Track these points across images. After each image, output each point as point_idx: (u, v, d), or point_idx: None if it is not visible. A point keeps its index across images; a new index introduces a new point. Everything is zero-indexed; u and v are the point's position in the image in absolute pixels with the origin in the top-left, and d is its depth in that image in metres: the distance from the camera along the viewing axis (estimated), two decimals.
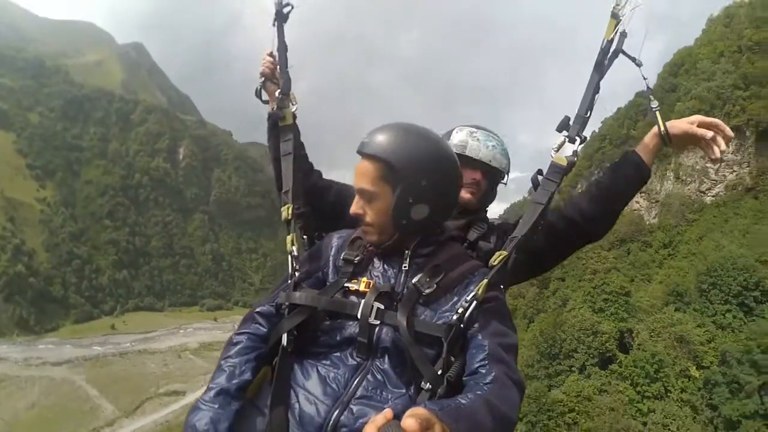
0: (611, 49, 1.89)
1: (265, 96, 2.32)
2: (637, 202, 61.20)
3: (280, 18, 2.23)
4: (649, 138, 1.98)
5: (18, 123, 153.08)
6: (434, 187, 1.66)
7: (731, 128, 1.92)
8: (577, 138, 1.87)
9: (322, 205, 2.26)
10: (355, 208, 1.70)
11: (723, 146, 1.84)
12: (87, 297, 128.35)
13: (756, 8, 65.51)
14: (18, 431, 70.66)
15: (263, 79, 2.30)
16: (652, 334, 32.62)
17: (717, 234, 44.51)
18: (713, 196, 56.03)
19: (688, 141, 1.93)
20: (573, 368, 34.37)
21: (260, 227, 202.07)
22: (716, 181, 56.10)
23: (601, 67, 1.90)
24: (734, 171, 54.43)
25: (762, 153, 51.60)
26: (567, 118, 1.88)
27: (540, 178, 1.86)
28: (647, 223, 57.53)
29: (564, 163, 1.83)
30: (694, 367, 30.51)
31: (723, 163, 54.15)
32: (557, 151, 1.87)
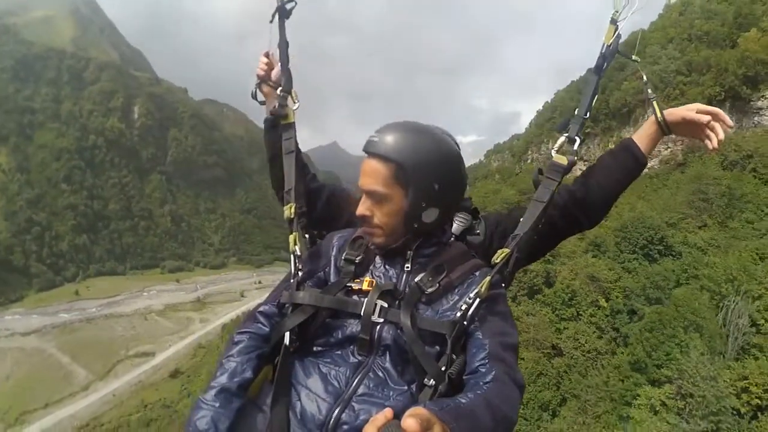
0: (609, 53, 1.93)
1: (260, 97, 2.34)
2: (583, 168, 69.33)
3: (282, 14, 2.21)
4: (647, 125, 1.97)
5: None
6: (445, 191, 1.70)
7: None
8: (576, 138, 1.90)
9: (315, 208, 2.24)
10: (362, 209, 1.70)
11: (721, 135, 1.83)
12: (48, 264, 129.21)
13: (711, 1, 70.49)
14: None
15: (259, 80, 2.30)
16: (570, 273, 40.61)
17: (634, 199, 51.43)
18: (648, 168, 64.05)
19: (687, 128, 1.92)
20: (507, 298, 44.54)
21: (217, 187, 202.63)
22: (651, 155, 65.28)
23: (600, 70, 1.94)
24: (668, 147, 59.15)
25: None
26: (567, 119, 1.93)
27: (541, 176, 1.87)
28: None
29: (564, 162, 1.83)
30: (604, 300, 39.03)
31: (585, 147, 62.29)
32: (557, 150, 1.88)
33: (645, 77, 2.11)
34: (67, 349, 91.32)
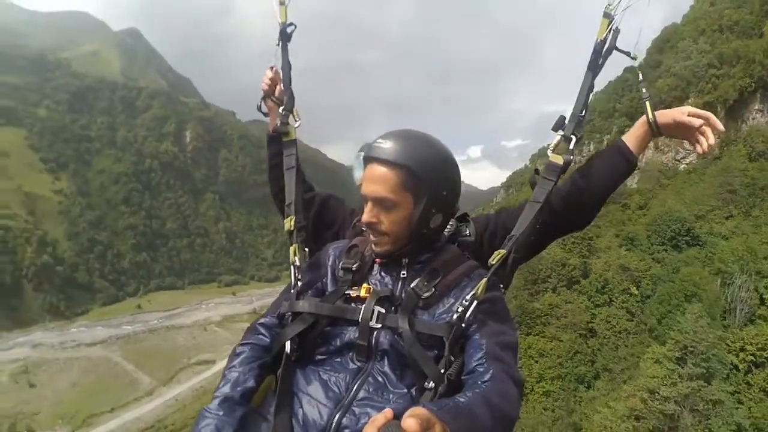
0: (605, 48, 1.86)
1: (265, 109, 2.40)
2: None
3: (284, 37, 2.27)
4: (638, 126, 1.93)
5: (27, 119, 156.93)
6: (450, 197, 1.72)
7: (704, 105, 3.09)
8: (573, 137, 1.85)
9: (307, 217, 2.27)
10: (369, 216, 1.66)
11: (712, 140, 1.80)
12: (111, 280, 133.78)
13: None
14: (65, 409, 75.66)
15: (264, 95, 2.36)
16: (604, 264, 43.85)
17: (671, 194, 54.14)
18: (687, 164, 60.28)
19: (677, 130, 1.87)
20: (548, 289, 44.65)
21: (269, 204, 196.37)
22: (690, 150, 60.56)
23: (595, 66, 1.88)
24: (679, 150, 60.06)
25: (728, 126, 54.31)
26: (563, 118, 1.89)
27: (537, 177, 1.85)
28: (628, 187, 61.64)
29: (560, 161, 1.82)
30: (635, 287, 41.91)
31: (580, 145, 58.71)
32: (553, 150, 1.86)
33: (641, 76, 1.95)
34: (131, 358, 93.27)
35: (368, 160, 1.67)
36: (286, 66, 2.27)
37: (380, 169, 1.62)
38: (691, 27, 70.50)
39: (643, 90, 1.90)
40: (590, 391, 35.64)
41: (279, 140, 2.26)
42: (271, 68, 2.32)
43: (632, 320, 39.71)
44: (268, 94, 2.34)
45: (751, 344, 30.36)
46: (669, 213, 46.22)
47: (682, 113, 1.81)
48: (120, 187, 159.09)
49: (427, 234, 1.71)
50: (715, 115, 1.70)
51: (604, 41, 1.83)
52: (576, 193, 1.93)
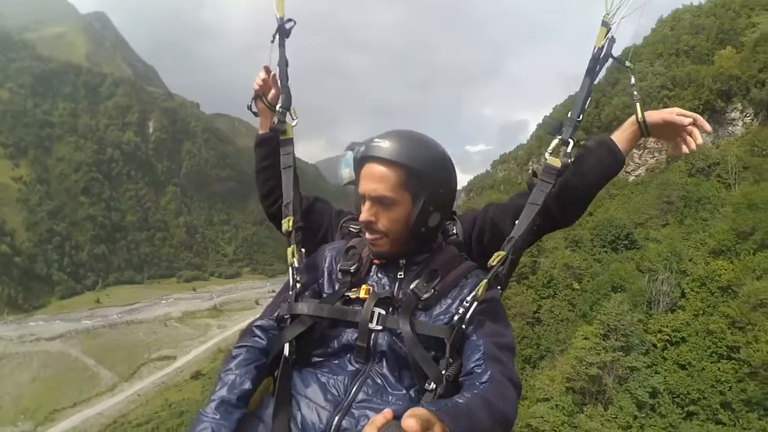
0: (602, 55, 1.91)
1: (255, 109, 2.34)
2: None
3: (282, 33, 2.18)
4: (627, 126, 1.95)
5: None
6: (447, 195, 1.73)
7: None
8: (570, 140, 1.88)
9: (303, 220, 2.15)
10: (367, 215, 1.66)
11: (699, 140, 1.85)
12: (69, 273, 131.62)
13: (700, 16, 74.75)
14: (25, 403, 75.72)
15: (255, 95, 2.31)
16: (551, 263, 48.78)
17: (616, 202, 61.19)
18: (635, 176, 65.81)
19: (665, 130, 1.91)
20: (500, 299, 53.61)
21: (230, 199, 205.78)
22: (639, 164, 66.05)
23: (593, 72, 1.93)
24: (654, 156, 64.72)
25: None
26: (560, 123, 1.92)
27: (535, 179, 1.88)
28: None
29: (558, 164, 1.84)
30: (577, 283, 47.44)
31: (645, 150, 65.13)
32: (551, 153, 1.88)
33: (633, 79, 2.10)
34: (92, 353, 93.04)
35: (366, 159, 1.67)
36: (284, 63, 2.19)
37: (379, 168, 1.63)
38: (650, 49, 75.55)
39: (635, 93, 2.00)
40: (535, 370, 40.24)
41: (269, 142, 2.25)
42: (265, 68, 2.25)
43: (572, 311, 45.16)
44: (259, 95, 2.30)
45: (667, 327, 35.83)
46: (610, 219, 52.70)
47: (671, 113, 1.87)
48: (80, 176, 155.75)
49: (426, 233, 1.73)
50: None
51: (602, 49, 1.93)
52: (567, 191, 1.93)
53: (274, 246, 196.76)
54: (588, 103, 1.97)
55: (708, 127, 1.89)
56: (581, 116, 1.92)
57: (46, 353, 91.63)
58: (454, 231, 2.01)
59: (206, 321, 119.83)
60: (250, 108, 2.33)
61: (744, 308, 33.02)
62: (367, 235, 1.71)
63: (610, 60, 1.99)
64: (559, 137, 1.89)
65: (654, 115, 1.90)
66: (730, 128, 59.34)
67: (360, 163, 1.71)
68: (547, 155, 1.88)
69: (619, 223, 51.83)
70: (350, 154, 2.21)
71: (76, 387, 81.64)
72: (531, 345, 44.08)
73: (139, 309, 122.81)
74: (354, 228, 2.05)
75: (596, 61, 1.92)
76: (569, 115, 1.93)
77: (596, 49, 1.92)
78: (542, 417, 31.53)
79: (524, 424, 30.57)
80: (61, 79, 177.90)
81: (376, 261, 1.78)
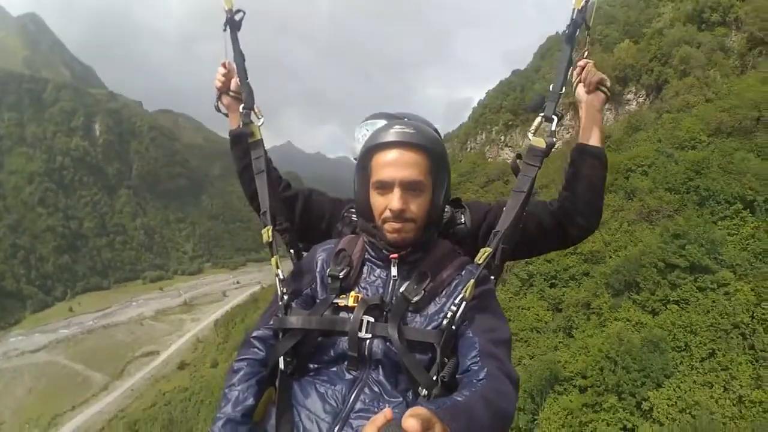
0: (580, 19, 1.83)
1: (223, 108, 2.24)
2: (508, 153, 78.65)
3: (233, 26, 2.03)
4: (584, 122, 1.99)
5: None
6: (449, 182, 1.75)
7: (568, 105, 2.17)
8: (554, 117, 1.80)
9: (292, 218, 2.16)
10: (401, 203, 1.60)
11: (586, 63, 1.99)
12: (38, 286, 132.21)
13: (615, 6, 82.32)
14: (27, 414, 78.25)
15: (219, 92, 2.21)
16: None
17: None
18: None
19: (585, 88, 2.00)
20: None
21: (183, 196, 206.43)
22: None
23: (572, 40, 1.83)
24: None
25: None
26: (541, 98, 1.82)
27: (519, 161, 1.79)
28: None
29: (543, 145, 1.76)
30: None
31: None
32: (534, 133, 1.79)
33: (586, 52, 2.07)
34: (78, 359, 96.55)
35: (392, 144, 1.62)
36: (239, 58, 2.07)
37: (410, 154, 1.61)
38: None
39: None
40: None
41: (241, 142, 2.12)
42: (224, 64, 2.17)
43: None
44: (223, 91, 2.20)
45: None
46: None
47: (579, 83, 2.01)
48: (34, 187, 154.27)
49: (438, 221, 1.73)
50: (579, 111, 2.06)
51: (582, 11, 1.81)
52: (574, 202, 1.95)
53: (231, 239, 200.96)
54: (570, 72, 1.93)
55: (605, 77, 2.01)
56: (563, 88, 1.86)
57: (34, 365, 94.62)
58: (462, 220, 1.99)
59: (179, 316, 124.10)
60: (217, 109, 2.26)
61: None
62: (394, 224, 1.65)
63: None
64: (542, 114, 1.83)
65: (578, 93, 2.04)
66: (626, 107, 68.59)
67: (380, 148, 1.66)
68: (530, 135, 1.82)
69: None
70: (365, 131, 2.12)
71: (71, 391, 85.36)
72: None
73: (112, 313, 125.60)
74: (356, 217, 1.96)
75: (576, 25, 1.84)
76: (550, 89, 1.85)
77: (575, 11, 1.82)
78: None
79: None
80: (4, 88, 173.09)
81: (393, 255, 1.70)
